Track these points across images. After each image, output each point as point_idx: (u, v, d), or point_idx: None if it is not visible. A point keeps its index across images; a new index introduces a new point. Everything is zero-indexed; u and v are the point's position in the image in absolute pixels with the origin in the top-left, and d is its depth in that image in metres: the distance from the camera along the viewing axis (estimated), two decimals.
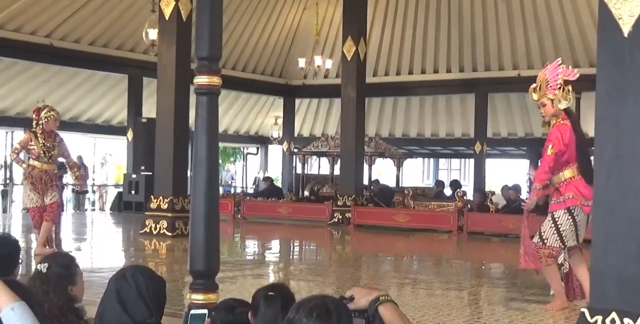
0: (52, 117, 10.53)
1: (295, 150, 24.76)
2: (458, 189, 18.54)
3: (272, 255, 13.42)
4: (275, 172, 28.10)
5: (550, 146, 7.23)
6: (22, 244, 8.01)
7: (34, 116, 10.71)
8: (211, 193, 4.51)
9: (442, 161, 37.74)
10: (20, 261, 4.54)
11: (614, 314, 4.71)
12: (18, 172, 19.81)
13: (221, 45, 4.54)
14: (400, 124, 26.42)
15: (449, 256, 13.69)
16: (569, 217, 7.28)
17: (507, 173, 29.08)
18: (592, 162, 5.90)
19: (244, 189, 29.03)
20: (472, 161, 25.41)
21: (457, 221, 16.21)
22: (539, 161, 7.66)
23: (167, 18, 14.04)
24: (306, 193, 21.46)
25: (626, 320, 4.68)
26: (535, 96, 7.38)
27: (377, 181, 21.19)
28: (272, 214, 18.93)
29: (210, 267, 4.58)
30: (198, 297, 4.46)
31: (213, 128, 4.51)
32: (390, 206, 18.42)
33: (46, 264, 4.01)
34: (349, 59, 18.10)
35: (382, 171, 28.16)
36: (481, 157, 22.58)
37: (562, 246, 7.29)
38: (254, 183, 29.46)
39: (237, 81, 22.81)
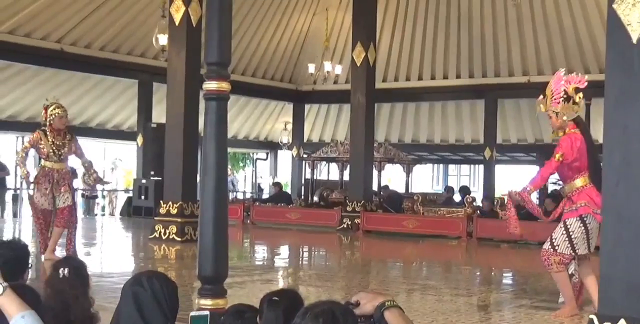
0: (57, 115, 10.28)
1: (305, 155, 24.76)
2: (467, 195, 18.51)
3: (281, 260, 13.42)
4: (285, 177, 28.11)
5: (559, 153, 7.21)
6: (31, 248, 8.03)
7: (42, 112, 10.54)
8: (220, 198, 4.51)
9: (451, 166, 37.71)
10: (30, 265, 4.55)
11: (622, 321, 4.70)
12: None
13: (230, 51, 4.54)
14: (409, 129, 26.42)
15: (458, 262, 13.66)
16: (581, 224, 7.26)
17: (517, 179, 29.00)
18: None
19: (253, 194, 29.06)
20: (481, 167, 25.37)
21: (466, 227, 16.19)
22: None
23: (177, 23, 14.08)
24: (316, 199, 21.45)
25: None
26: (542, 108, 7.37)
27: (386, 187, 21.19)
28: (281, 219, 18.93)
29: (218, 272, 4.58)
30: (206, 302, 4.46)
31: (222, 133, 4.51)
32: (400, 211, 18.40)
33: (67, 268, 3.98)
34: (358, 64, 18.12)
35: (392, 177, 28.14)
36: (491, 163, 22.56)
37: (573, 254, 7.27)
38: (253, 188, 29.51)
39: (247, 86, 22.86)
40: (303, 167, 24.73)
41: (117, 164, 28.46)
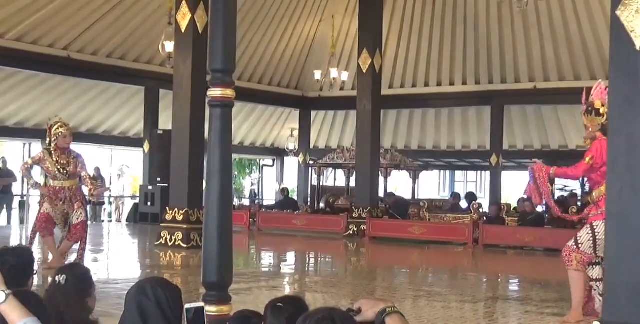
0: (60, 134, 10.19)
1: (311, 162, 24.78)
2: (474, 202, 18.50)
3: (287, 267, 13.42)
4: (291, 184, 28.12)
5: (589, 157, 7.35)
6: (36, 255, 8.06)
7: (47, 132, 10.44)
8: (224, 205, 4.52)
9: (458, 173, 37.66)
10: (34, 272, 4.57)
11: None
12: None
13: (235, 58, 4.55)
14: (416, 136, 26.41)
15: (464, 269, 13.64)
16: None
17: (524, 186, 28.93)
18: None
19: (259, 200, 29.06)
20: (488, 173, 25.35)
21: (472, 234, 16.16)
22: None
23: (183, 31, 14.13)
24: (322, 205, 21.46)
25: None
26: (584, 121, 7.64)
27: (391, 194, 21.15)
28: (287, 226, 18.95)
29: (223, 279, 4.58)
30: (211, 309, 4.46)
31: (226, 140, 4.52)
32: (406, 218, 18.39)
33: (64, 276, 4.01)
34: (364, 71, 18.14)
35: (398, 183, 28.13)
36: (497, 169, 22.54)
37: (594, 255, 7.33)
38: (251, 195, 29.51)
39: (254, 93, 22.90)
40: (309, 174, 24.76)
41: (123, 170, 28.47)
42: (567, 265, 7.46)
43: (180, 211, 13.96)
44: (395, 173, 22.40)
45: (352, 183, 20.70)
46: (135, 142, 22.73)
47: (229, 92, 4.47)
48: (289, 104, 25.68)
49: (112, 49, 19.94)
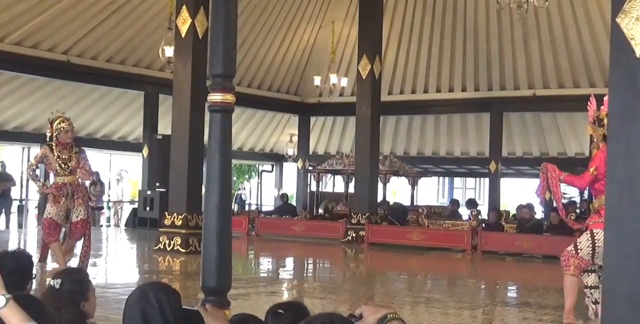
0: (62, 129, 10.16)
1: (310, 168, 24.78)
2: (472, 209, 18.50)
3: (285, 272, 13.42)
4: (290, 189, 28.11)
5: (593, 167, 7.41)
6: (35, 259, 8.05)
7: (48, 127, 10.41)
8: (223, 210, 4.52)
9: (457, 179, 37.66)
10: (34, 275, 4.56)
11: None
12: (33, 189, 19.92)
13: (235, 63, 4.55)
14: (415, 142, 26.41)
15: (462, 275, 13.65)
16: None
17: (523, 193, 28.98)
18: None
19: (258, 206, 29.04)
20: (487, 180, 25.35)
21: (471, 240, 16.16)
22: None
23: (183, 36, 14.14)
24: (321, 211, 21.45)
25: None
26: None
27: (387, 203, 21.07)
28: (286, 231, 18.94)
29: (222, 284, 4.58)
30: None
31: (226, 145, 4.52)
32: (404, 224, 18.39)
33: (59, 280, 3.99)
34: (364, 77, 18.15)
35: (397, 190, 28.12)
36: (496, 176, 22.54)
37: (591, 262, 7.36)
38: (236, 199, 29.42)
39: (253, 98, 22.91)
40: (308, 180, 24.74)
41: (122, 175, 28.49)
42: (565, 269, 7.50)
43: (179, 216, 13.96)
44: (394, 179, 22.40)
45: (351, 189, 20.70)
46: (134, 147, 22.73)
47: (229, 97, 4.47)
48: (288, 109, 25.69)
49: (112, 54, 19.95)
